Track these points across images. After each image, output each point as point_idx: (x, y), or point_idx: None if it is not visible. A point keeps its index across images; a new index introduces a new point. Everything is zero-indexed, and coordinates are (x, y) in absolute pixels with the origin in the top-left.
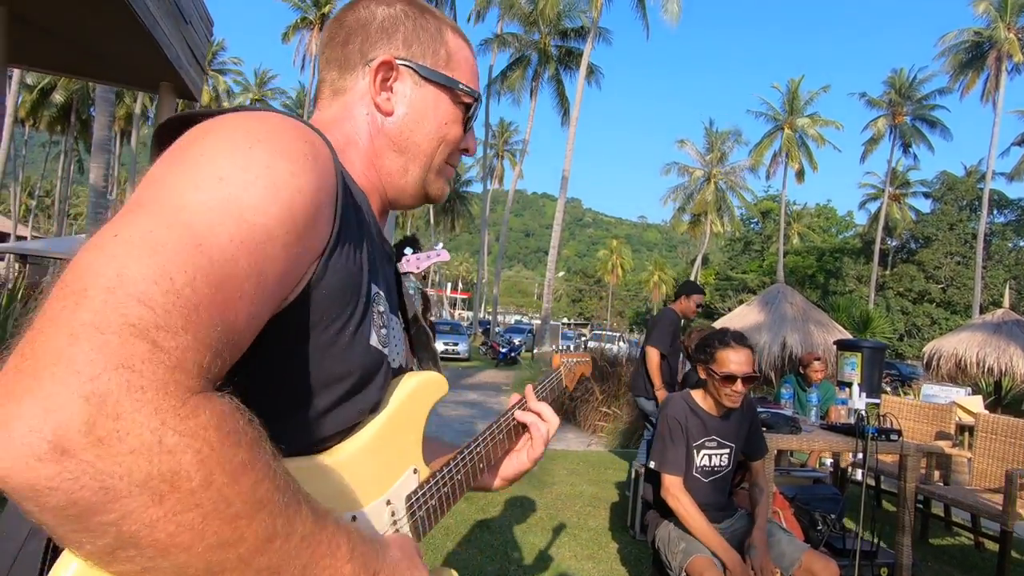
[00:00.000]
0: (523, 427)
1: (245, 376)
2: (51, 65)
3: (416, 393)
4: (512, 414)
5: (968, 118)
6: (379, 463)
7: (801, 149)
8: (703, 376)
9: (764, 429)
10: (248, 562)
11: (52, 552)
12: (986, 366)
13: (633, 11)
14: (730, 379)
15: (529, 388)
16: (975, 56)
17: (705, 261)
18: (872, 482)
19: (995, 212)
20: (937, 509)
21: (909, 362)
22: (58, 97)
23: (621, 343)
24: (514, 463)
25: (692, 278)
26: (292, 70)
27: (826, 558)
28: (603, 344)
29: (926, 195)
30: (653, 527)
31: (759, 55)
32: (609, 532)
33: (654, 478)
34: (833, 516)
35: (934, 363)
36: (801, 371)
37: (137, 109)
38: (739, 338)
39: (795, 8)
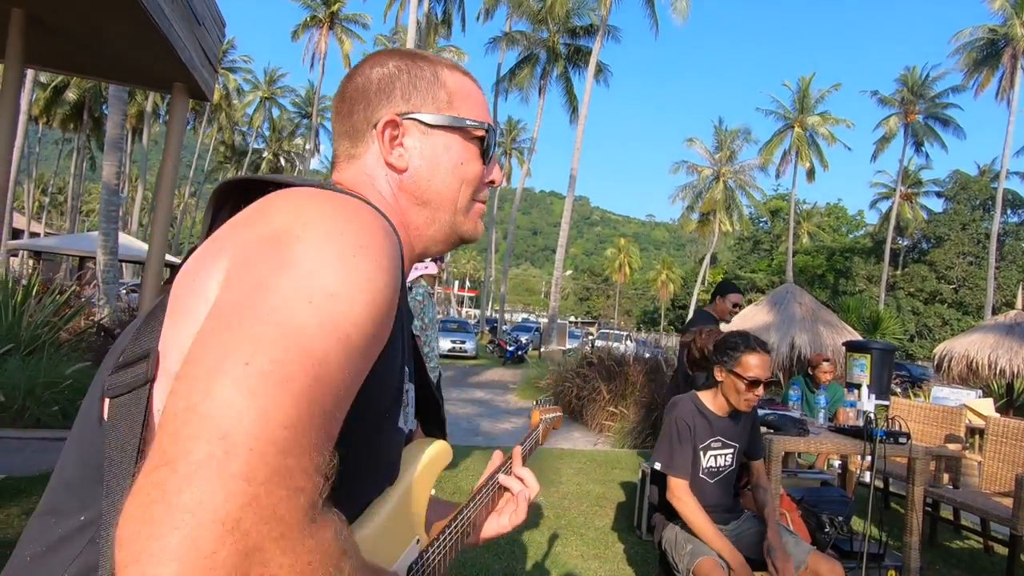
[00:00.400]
0: (505, 489)
1: None
2: (66, 66)
3: (428, 467)
4: (497, 479)
5: (982, 116)
6: (392, 537)
7: (811, 148)
8: (720, 378)
9: (772, 431)
10: None
11: None
12: (998, 368)
13: (642, 8)
14: (755, 383)
15: (517, 451)
16: (990, 54)
17: (714, 260)
18: (880, 484)
19: (1009, 212)
20: (946, 512)
21: (920, 363)
22: (71, 95)
23: (628, 342)
24: (495, 525)
25: (700, 277)
26: (301, 68)
27: (832, 560)
28: (610, 343)
29: (938, 194)
30: (660, 528)
31: (770, 53)
32: (615, 532)
33: (661, 480)
34: (841, 518)
35: (945, 364)
36: (810, 372)
37: (148, 107)
38: (761, 343)
39: (806, 5)
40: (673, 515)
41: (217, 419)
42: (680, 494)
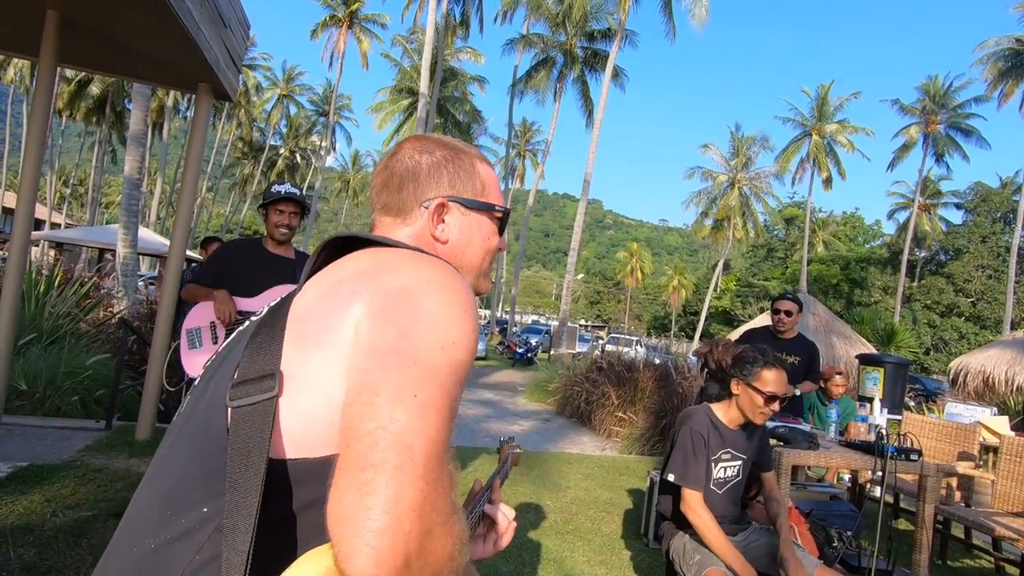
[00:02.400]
0: (488, 517)
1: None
2: (96, 65)
3: None
4: (481, 506)
5: (1006, 128)
6: None
7: (829, 156)
8: (737, 391)
9: (782, 443)
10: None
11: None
12: (1015, 385)
13: (659, 13)
14: (772, 398)
15: (496, 484)
16: (1015, 64)
17: (726, 267)
18: (890, 499)
19: None
20: (957, 530)
21: (935, 377)
22: (95, 90)
23: (639, 347)
24: (478, 549)
25: (713, 284)
26: (319, 67)
27: (837, 574)
28: (620, 348)
29: (958, 206)
30: (668, 538)
31: (789, 61)
32: (622, 539)
33: (672, 490)
34: (849, 533)
35: (960, 379)
36: (822, 385)
37: (169, 102)
38: (779, 360)
39: (826, 13)
40: (683, 524)
41: (403, 436)
42: (695, 506)
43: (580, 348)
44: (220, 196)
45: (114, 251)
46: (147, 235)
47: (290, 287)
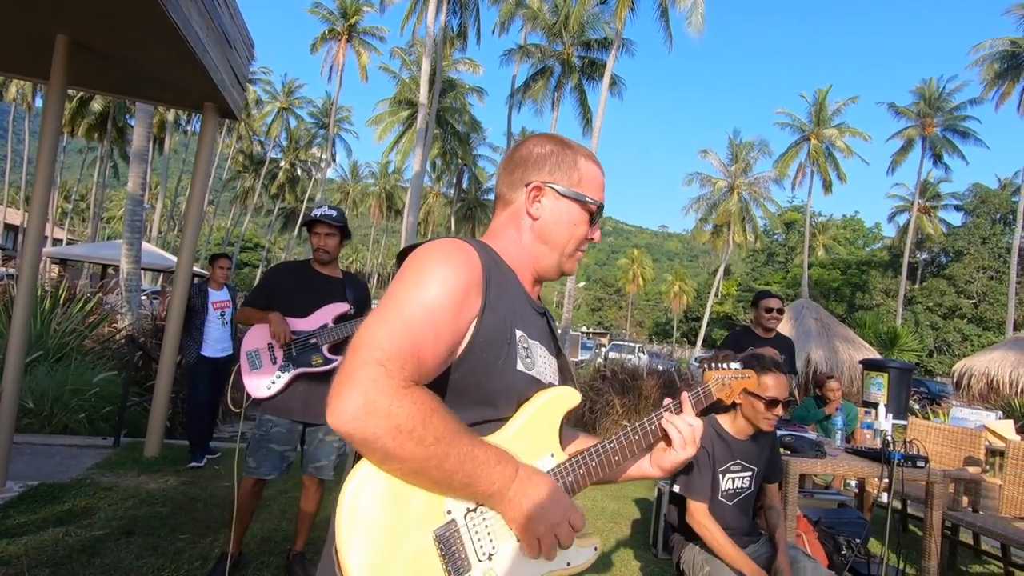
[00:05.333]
0: (665, 433)
1: (449, 385)
2: (104, 87)
3: (551, 401)
4: (658, 418)
5: (1004, 129)
6: (524, 446)
7: (828, 160)
8: (739, 400)
9: (789, 452)
10: (442, 460)
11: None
12: (1020, 386)
13: (656, 22)
14: (773, 403)
15: (685, 397)
16: (1011, 66)
17: (727, 272)
18: (898, 505)
19: None
20: (965, 536)
21: (939, 379)
22: (96, 106)
23: (641, 354)
24: (672, 456)
25: (714, 289)
26: (319, 80)
27: None
28: (623, 355)
29: (957, 208)
30: (678, 549)
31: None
32: (631, 549)
33: (679, 500)
34: (858, 541)
35: (964, 382)
36: (817, 393)
37: (170, 117)
38: (779, 364)
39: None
40: (692, 536)
41: (375, 342)
42: (700, 518)
43: (583, 356)
44: (221, 209)
45: (117, 266)
46: (149, 249)
47: (342, 306)
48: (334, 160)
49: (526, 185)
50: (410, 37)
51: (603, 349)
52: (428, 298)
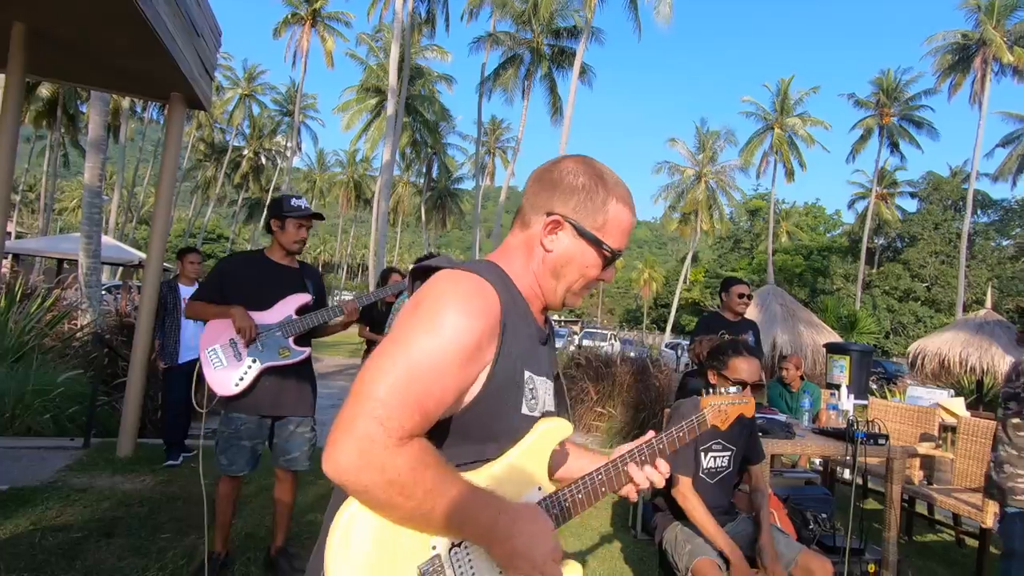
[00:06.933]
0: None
1: (451, 427)
2: (66, 76)
3: (544, 434)
4: (640, 451)
5: (955, 119)
6: (514, 479)
7: (791, 148)
8: (713, 381)
9: (760, 434)
10: (431, 511)
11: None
12: (968, 365)
13: (625, 11)
14: (743, 386)
15: (649, 436)
16: (962, 58)
17: (695, 259)
18: (860, 481)
19: (979, 212)
20: (921, 508)
21: (895, 360)
22: (44, 92)
23: (614, 341)
24: (625, 489)
25: (682, 276)
26: (282, 66)
27: (821, 557)
28: (596, 342)
29: (912, 195)
30: (661, 529)
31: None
32: (611, 532)
33: (665, 481)
34: (824, 516)
35: (919, 362)
36: (780, 374)
37: (125, 103)
38: (750, 348)
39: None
40: (676, 515)
41: (377, 394)
42: (685, 491)
43: (557, 344)
44: (181, 200)
45: (72, 260)
46: (108, 242)
47: (304, 297)
48: (300, 148)
49: (548, 214)
50: (377, 22)
51: (575, 337)
52: (439, 349)
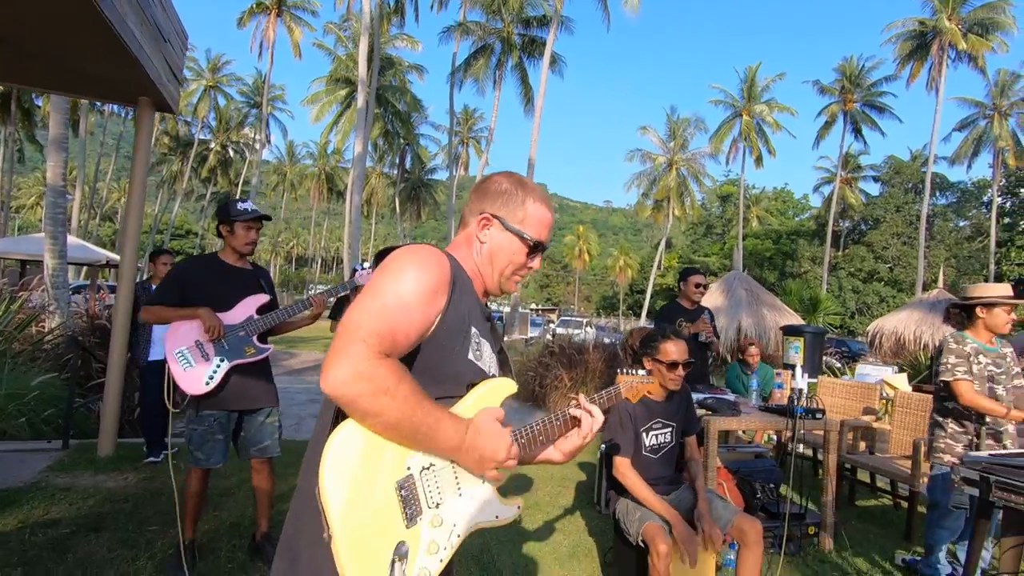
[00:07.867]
0: (575, 419)
1: (415, 364)
2: (31, 82)
3: (493, 388)
4: (568, 409)
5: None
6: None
7: (759, 135)
8: (649, 367)
9: (709, 413)
10: (411, 415)
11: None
12: (922, 343)
13: (594, 0)
14: (673, 366)
15: (581, 398)
16: (920, 45)
17: (669, 245)
18: (809, 453)
19: (937, 194)
20: (864, 476)
21: (859, 339)
22: None
23: (589, 328)
24: (570, 441)
25: (656, 262)
26: (248, 56)
27: (752, 519)
28: (571, 330)
29: (875, 179)
30: (614, 502)
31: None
32: (577, 508)
33: (610, 461)
34: (772, 485)
35: (877, 341)
36: (740, 357)
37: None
38: (675, 333)
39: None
40: (623, 490)
41: (359, 323)
42: (623, 470)
43: (532, 332)
44: (147, 194)
45: (36, 262)
46: (73, 242)
47: (263, 297)
48: (269, 141)
49: (480, 213)
50: (344, 11)
51: (551, 325)
52: (404, 291)
